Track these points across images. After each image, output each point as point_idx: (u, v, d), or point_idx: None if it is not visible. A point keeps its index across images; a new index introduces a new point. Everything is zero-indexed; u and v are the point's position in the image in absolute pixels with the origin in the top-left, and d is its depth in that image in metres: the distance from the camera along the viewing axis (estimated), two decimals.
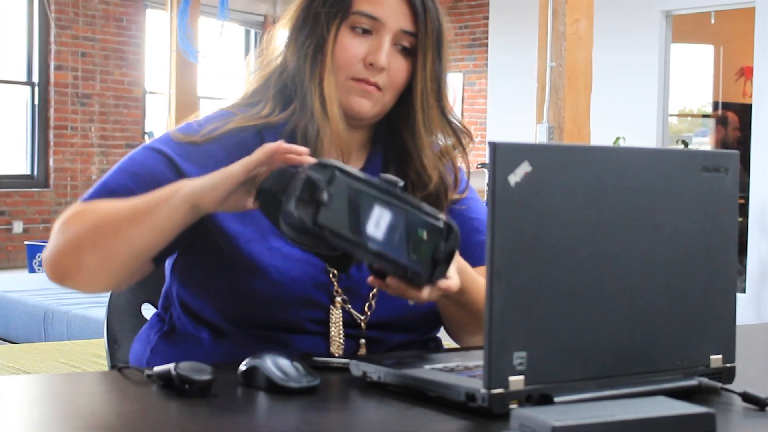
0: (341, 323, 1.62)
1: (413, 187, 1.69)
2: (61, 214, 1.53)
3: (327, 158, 1.35)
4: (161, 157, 1.62)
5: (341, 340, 1.62)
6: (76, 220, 1.53)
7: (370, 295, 1.65)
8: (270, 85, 1.70)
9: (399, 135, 1.71)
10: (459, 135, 1.74)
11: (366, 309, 1.65)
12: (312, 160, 1.38)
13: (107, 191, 1.58)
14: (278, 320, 1.60)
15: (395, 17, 1.64)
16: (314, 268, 1.61)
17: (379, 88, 1.65)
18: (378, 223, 1.34)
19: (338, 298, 1.63)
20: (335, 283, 1.63)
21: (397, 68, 1.66)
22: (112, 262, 1.51)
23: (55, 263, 1.53)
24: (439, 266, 1.38)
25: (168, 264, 1.71)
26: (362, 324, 1.64)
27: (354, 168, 1.36)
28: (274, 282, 1.58)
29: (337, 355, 1.61)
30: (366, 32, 1.65)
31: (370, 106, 1.66)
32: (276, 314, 1.59)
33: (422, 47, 1.66)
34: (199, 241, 1.62)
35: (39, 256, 8.52)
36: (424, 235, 1.36)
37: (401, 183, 1.36)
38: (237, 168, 1.41)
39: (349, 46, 1.64)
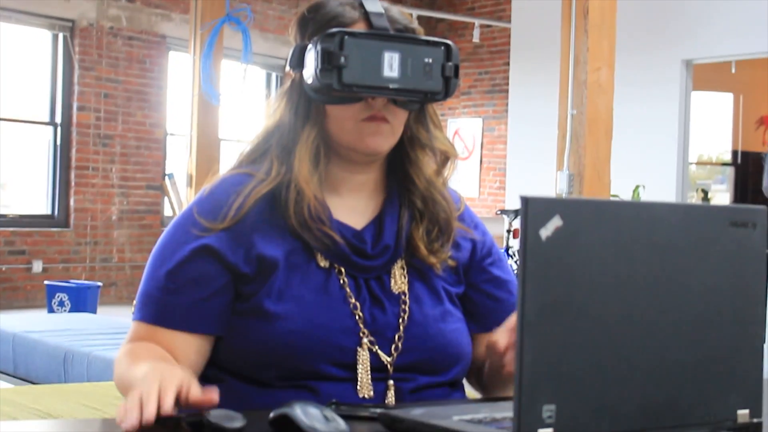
0: (369, 365, 1.63)
1: (422, 215, 1.72)
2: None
3: (332, 28, 1.60)
4: (208, 257, 1.64)
5: (370, 383, 1.63)
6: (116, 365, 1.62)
7: (396, 336, 1.66)
8: (272, 143, 1.71)
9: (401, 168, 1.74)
10: (448, 152, 1.77)
11: (393, 350, 1.66)
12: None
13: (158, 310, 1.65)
14: (305, 368, 1.60)
15: None
16: (339, 314, 1.63)
17: (386, 120, 1.67)
18: (391, 65, 1.61)
19: (365, 340, 1.64)
20: (361, 326, 1.64)
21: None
22: None
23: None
24: (450, 81, 1.65)
25: None
26: (389, 366, 1.65)
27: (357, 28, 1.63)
28: (299, 330, 1.60)
29: (367, 397, 1.62)
30: None
31: (384, 140, 1.68)
32: (303, 362, 1.60)
33: None
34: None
35: (58, 296, 8.54)
36: (430, 60, 1.64)
37: (400, 25, 1.66)
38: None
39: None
